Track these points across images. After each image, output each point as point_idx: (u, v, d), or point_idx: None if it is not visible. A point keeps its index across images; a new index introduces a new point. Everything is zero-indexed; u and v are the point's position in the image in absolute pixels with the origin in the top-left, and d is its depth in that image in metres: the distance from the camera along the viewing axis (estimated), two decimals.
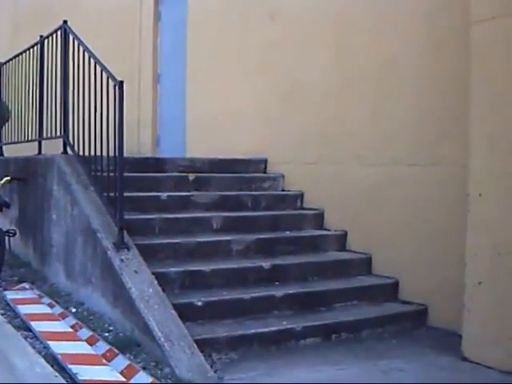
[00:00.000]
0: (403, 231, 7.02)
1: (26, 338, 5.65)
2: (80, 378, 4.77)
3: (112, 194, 6.28)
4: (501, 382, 5.29)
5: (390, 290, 6.97)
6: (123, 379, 4.81)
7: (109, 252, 6.10)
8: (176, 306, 5.66)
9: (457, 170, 6.29)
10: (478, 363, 5.63)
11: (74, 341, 5.56)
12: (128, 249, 6.12)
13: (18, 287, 7.30)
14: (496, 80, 5.69)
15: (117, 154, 6.18)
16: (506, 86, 5.62)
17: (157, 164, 8.14)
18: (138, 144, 11.17)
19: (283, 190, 8.40)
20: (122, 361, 5.15)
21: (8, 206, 8.19)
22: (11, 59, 9.45)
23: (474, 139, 5.84)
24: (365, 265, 7.29)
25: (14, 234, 8.07)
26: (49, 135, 8.06)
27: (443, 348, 6.00)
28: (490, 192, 5.71)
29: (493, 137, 5.68)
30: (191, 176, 7.82)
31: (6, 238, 7.80)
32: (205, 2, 10.10)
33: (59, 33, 7.72)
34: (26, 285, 7.37)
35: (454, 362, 5.71)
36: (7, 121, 9.50)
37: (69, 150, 7.52)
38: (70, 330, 5.86)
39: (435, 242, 6.70)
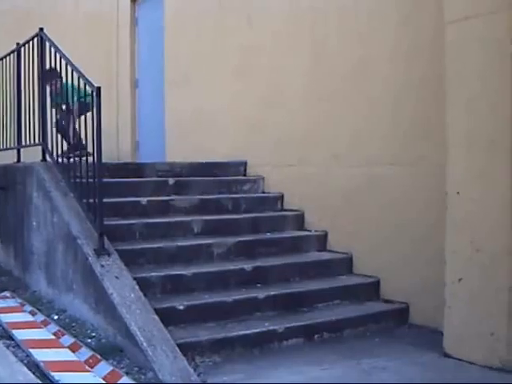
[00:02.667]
0: (383, 230, 7.06)
1: (7, 346, 5.63)
2: None
3: (91, 200, 6.26)
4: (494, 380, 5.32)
5: (372, 289, 7.01)
6: None
7: (89, 258, 6.09)
8: (158, 311, 5.65)
9: (435, 170, 6.32)
10: (459, 359, 5.67)
11: (57, 348, 5.55)
12: (109, 254, 6.12)
13: None
14: (471, 80, 5.74)
15: (95, 160, 6.17)
16: (481, 85, 5.67)
17: (136, 169, 8.14)
18: (117, 149, 11.17)
19: (263, 192, 8.44)
20: (104, 367, 5.14)
21: None
22: None
23: (451, 139, 5.88)
24: (346, 264, 7.33)
25: None
26: (27, 143, 8.03)
27: (425, 345, 6.04)
28: (468, 190, 5.75)
29: (470, 136, 5.73)
30: (171, 180, 7.83)
31: None
32: (182, 8, 10.12)
33: (36, 40, 7.70)
34: (8, 293, 7.34)
35: (436, 358, 5.75)
36: None
37: (48, 157, 7.49)
38: (53, 337, 5.84)
39: (415, 240, 6.74)
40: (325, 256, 7.44)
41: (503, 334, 5.47)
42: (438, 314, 5.98)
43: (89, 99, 6.41)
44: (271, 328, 5.96)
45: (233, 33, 9.14)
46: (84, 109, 6.73)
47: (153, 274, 6.26)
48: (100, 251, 6.10)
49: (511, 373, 5.37)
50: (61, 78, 7.40)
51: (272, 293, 6.42)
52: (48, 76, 7.67)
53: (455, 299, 5.83)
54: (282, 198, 8.26)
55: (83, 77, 6.48)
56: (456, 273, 5.81)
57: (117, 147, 11.23)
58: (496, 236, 5.58)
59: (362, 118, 7.32)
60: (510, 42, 5.46)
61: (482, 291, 5.65)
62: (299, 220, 7.95)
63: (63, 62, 6.90)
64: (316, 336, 6.13)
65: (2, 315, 6.45)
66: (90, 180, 6.25)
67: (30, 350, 5.45)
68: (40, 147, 7.58)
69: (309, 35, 7.97)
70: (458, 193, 5.82)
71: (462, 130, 5.81)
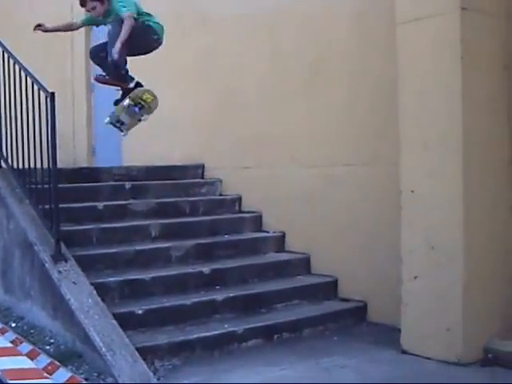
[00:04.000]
0: (341, 230, 7.13)
1: None
2: None
3: (47, 206, 6.22)
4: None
5: (330, 289, 7.07)
6: None
7: (46, 264, 6.05)
8: (116, 316, 5.64)
9: (391, 169, 6.38)
10: (417, 355, 5.76)
11: (15, 356, 5.49)
12: (66, 260, 6.08)
13: None
14: (422, 79, 5.83)
15: (50, 166, 6.13)
16: (432, 85, 5.76)
17: (92, 174, 8.11)
18: (73, 155, 11.09)
19: (221, 195, 8.45)
20: (63, 373, 5.11)
21: None
22: None
23: (405, 138, 5.97)
24: (304, 265, 7.38)
25: None
26: None
27: (383, 342, 6.11)
28: (422, 189, 5.85)
29: (423, 136, 5.82)
30: (128, 184, 7.80)
31: None
32: None
33: None
34: None
35: (394, 355, 5.83)
36: None
37: (2, 164, 7.41)
38: (10, 345, 5.79)
39: (372, 239, 6.82)
40: (283, 257, 7.49)
41: (459, 330, 5.57)
42: (396, 312, 6.05)
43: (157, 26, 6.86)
44: (230, 330, 5.98)
45: (190, 35, 9.11)
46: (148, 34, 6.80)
47: (110, 279, 6.24)
48: (57, 257, 6.06)
49: (467, 366, 5.49)
50: None
51: (231, 294, 6.44)
52: None
53: (412, 296, 5.91)
54: (239, 200, 8.28)
55: (37, 82, 6.43)
56: (412, 270, 5.89)
57: (73, 152, 11.15)
58: (450, 233, 5.68)
59: (318, 119, 7.38)
60: (460, 42, 5.57)
61: (437, 288, 5.74)
62: (257, 221, 7.99)
63: (17, 68, 6.83)
64: (275, 336, 6.17)
65: None
66: (46, 186, 6.20)
67: None
68: None
69: (264, 36, 8.02)
70: (412, 191, 5.90)
71: (415, 129, 5.90)
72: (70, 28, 7.30)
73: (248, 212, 8.15)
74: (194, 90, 9.03)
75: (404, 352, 5.87)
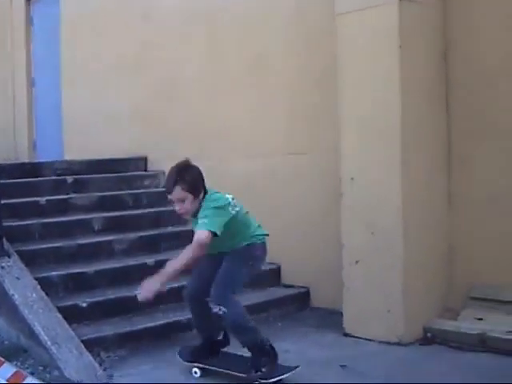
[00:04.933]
0: (283, 218, 7.21)
1: None
2: None
3: None
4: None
5: (273, 276, 7.16)
6: None
7: None
8: (61, 309, 5.65)
9: (331, 157, 6.49)
10: (359, 337, 5.91)
11: None
12: (8, 256, 6.05)
13: None
14: (362, 69, 5.96)
15: None
16: (371, 74, 5.88)
17: (34, 169, 8.03)
18: (14, 149, 10.97)
19: (165, 187, 8.42)
20: (8, 368, 5.05)
21: None
22: None
23: (344, 127, 6.09)
24: None
25: None
26: None
27: (326, 327, 6.25)
28: (361, 176, 5.97)
29: (362, 124, 5.94)
30: (69, 178, 7.77)
31: None
32: (78, 6, 9.96)
33: None
34: None
35: (336, 338, 5.98)
36: None
37: None
38: None
39: (314, 226, 6.94)
40: None
41: (399, 311, 5.73)
42: (338, 297, 6.19)
43: None
44: (175, 319, 6.04)
45: (130, 28, 9.09)
46: None
47: (54, 273, 6.22)
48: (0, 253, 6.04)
49: (407, 346, 5.66)
50: None
51: (175, 285, 6.40)
52: None
53: (353, 281, 6.05)
54: None
55: None
56: (353, 255, 6.03)
57: (14, 147, 11.03)
58: (389, 219, 5.82)
59: (260, 110, 7.47)
60: (398, 31, 5.69)
61: (378, 272, 5.88)
62: None
63: None
64: None
65: None
66: None
67: None
68: None
69: (203, 29, 8.06)
70: (352, 178, 6.02)
71: (354, 117, 6.02)
72: None
73: None
74: (135, 83, 9.01)
75: (346, 335, 6.02)
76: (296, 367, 4.86)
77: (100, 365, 5.25)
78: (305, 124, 7.03)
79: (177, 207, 4.86)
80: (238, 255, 4.97)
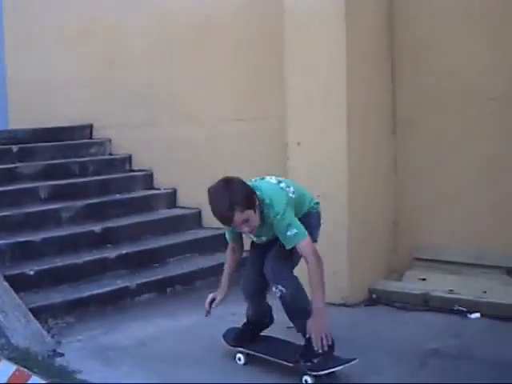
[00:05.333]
0: None
1: None
2: None
3: None
4: None
5: (221, 241, 7.07)
6: None
7: None
8: (8, 278, 5.64)
9: (278, 123, 6.52)
10: None
11: None
12: None
13: None
14: (308, 36, 5.97)
15: None
16: (318, 41, 5.91)
17: None
18: None
19: (111, 154, 8.42)
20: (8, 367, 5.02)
21: None
22: None
23: (291, 92, 6.12)
24: (195, 219, 7.51)
25: None
26: None
27: None
28: (308, 141, 6.02)
29: (308, 89, 5.98)
30: (14, 148, 7.66)
31: None
32: None
33: None
34: None
35: None
36: None
37: None
38: None
39: None
40: (175, 212, 7.61)
41: (344, 273, 5.82)
42: None
43: None
44: (123, 285, 6.07)
45: None
46: None
47: (1, 241, 6.17)
48: None
49: (352, 307, 5.76)
50: None
51: (123, 252, 6.50)
52: None
53: None
54: (130, 158, 8.27)
55: None
56: None
57: None
58: (335, 182, 5.88)
59: (209, 77, 7.47)
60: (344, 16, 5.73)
61: (323, 234, 5.93)
62: (148, 179, 8.03)
63: None
64: (168, 289, 6.30)
65: None
66: None
67: None
68: None
69: None
70: (298, 143, 6.07)
71: (300, 83, 6.05)
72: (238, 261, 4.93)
73: (139, 170, 8.15)
74: (82, 52, 8.85)
75: None
76: (353, 360, 4.31)
77: (48, 332, 5.25)
78: (252, 90, 7.05)
79: (245, 229, 4.29)
80: None
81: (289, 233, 4.24)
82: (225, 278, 4.84)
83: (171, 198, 7.81)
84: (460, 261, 5.88)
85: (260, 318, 4.88)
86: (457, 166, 6.05)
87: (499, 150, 5.86)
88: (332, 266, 5.85)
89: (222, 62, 7.31)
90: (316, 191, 5.90)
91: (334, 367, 4.24)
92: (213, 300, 4.81)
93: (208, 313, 4.79)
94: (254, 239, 4.63)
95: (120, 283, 6.09)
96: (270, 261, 4.47)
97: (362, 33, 5.95)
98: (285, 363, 4.44)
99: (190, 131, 7.67)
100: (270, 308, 4.87)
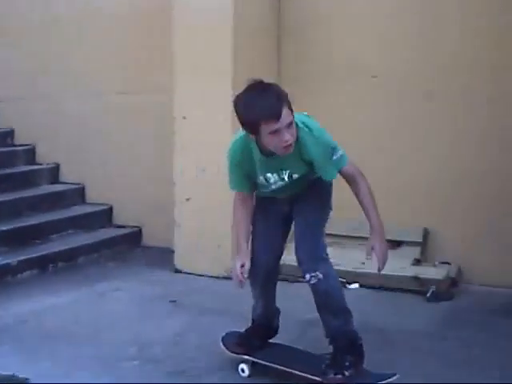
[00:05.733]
0: (115, 158, 7.22)
1: None
2: None
3: None
4: None
5: (105, 217, 7.18)
6: None
7: None
8: None
9: (165, 97, 6.46)
10: (190, 273, 6.04)
11: None
12: None
13: None
14: (194, 8, 5.96)
15: None
16: (205, 16, 5.89)
17: None
18: None
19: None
20: None
21: None
22: None
23: (177, 66, 6.10)
24: (79, 195, 7.44)
25: None
26: None
27: (158, 264, 6.36)
28: (193, 115, 6.04)
29: (194, 63, 5.98)
30: None
31: None
32: None
33: None
34: None
35: (167, 275, 6.10)
36: None
37: None
38: None
39: (147, 165, 7.00)
40: (57, 188, 7.49)
41: (228, 246, 5.87)
42: (170, 234, 6.28)
43: None
44: (4, 262, 5.93)
45: None
46: None
47: None
48: None
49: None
50: None
51: (3, 228, 6.34)
52: None
53: (184, 218, 6.15)
54: (12, 133, 8.03)
55: None
56: (184, 193, 6.13)
57: None
58: (219, 156, 5.85)
59: (91, 49, 7.35)
60: None
61: (208, 208, 6.00)
62: (30, 154, 7.83)
63: None
64: (50, 266, 6.21)
65: None
66: None
67: None
68: None
69: None
70: (184, 117, 6.07)
71: (186, 56, 6.04)
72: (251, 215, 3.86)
73: (21, 145, 7.93)
74: None
75: (178, 271, 6.14)
76: (393, 375, 3.52)
77: None
78: (138, 63, 6.99)
79: (287, 136, 3.35)
80: (324, 192, 3.80)
81: (335, 157, 3.53)
82: (243, 239, 3.80)
83: (54, 174, 7.66)
84: (339, 233, 6.02)
85: (270, 318, 4.07)
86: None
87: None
88: (217, 239, 5.94)
89: (109, 35, 7.19)
90: (200, 166, 5.99)
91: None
92: (242, 266, 3.73)
93: (242, 283, 3.73)
94: (276, 185, 3.66)
95: (0, 260, 5.96)
96: (301, 236, 3.70)
97: (250, 8, 5.97)
98: (308, 376, 3.61)
99: (74, 104, 7.53)
100: (278, 310, 4.12)
